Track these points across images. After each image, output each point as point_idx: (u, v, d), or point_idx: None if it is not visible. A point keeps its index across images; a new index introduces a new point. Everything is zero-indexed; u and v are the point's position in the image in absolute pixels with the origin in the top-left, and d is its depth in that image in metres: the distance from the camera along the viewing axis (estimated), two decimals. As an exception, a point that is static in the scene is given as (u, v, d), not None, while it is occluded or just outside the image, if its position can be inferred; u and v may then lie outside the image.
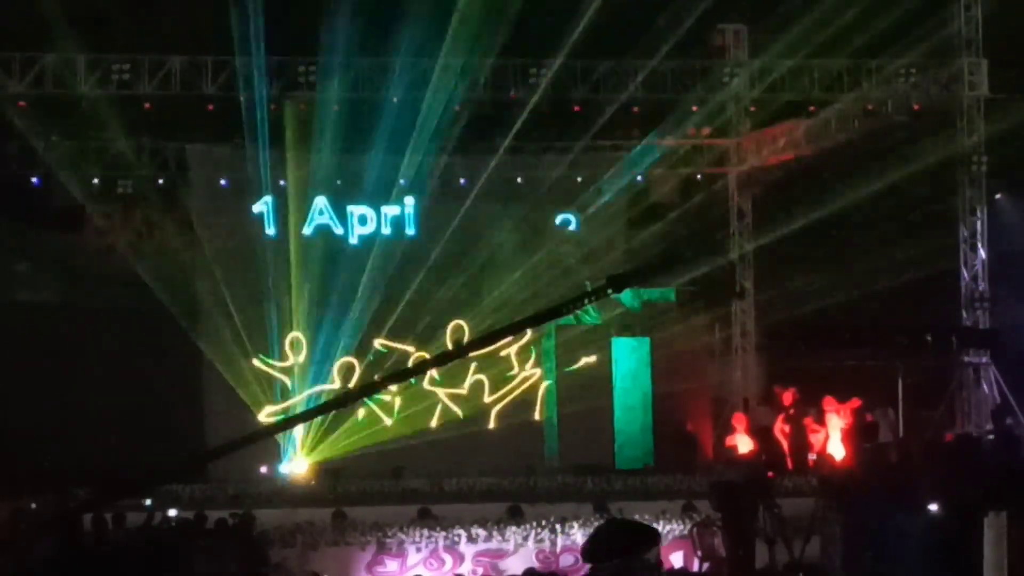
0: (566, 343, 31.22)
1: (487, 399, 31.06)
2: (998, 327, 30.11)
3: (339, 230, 31.45)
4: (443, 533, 23.67)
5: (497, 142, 31.12)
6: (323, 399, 29.77)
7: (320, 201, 31.34)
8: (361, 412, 30.33)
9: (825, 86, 31.02)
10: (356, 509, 24.77)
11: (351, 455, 29.86)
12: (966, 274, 30.51)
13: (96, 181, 31.49)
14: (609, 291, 7.43)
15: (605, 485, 27.06)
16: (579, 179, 32.61)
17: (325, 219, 31.44)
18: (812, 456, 29.85)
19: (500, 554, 23.66)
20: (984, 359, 29.95)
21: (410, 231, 31.66)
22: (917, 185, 29.89)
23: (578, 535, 23.72)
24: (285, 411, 30.09)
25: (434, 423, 30.72)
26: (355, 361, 30.62)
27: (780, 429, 30.48)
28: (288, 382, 30.82)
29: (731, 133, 33.89)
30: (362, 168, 31.34)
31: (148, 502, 22.80)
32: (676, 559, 23.37)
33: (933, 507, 18.70)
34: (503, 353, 30.89)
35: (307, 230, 31.31)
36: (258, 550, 22.03)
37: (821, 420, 29.97)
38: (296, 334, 30.73)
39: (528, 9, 28.25)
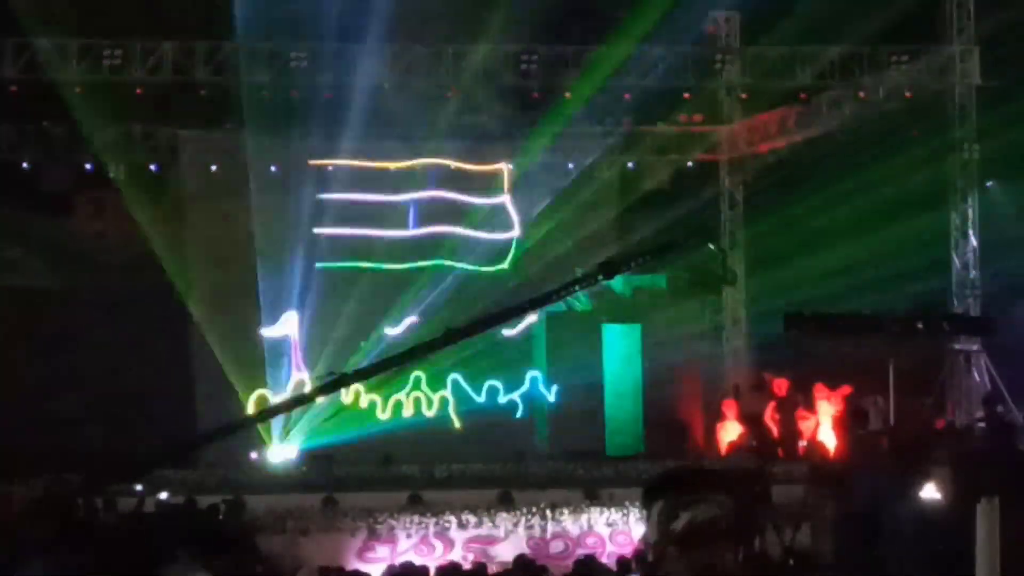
0: (556, 330, 31.17)
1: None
2: (990, 314, 30.08)
3: None
4: (433, 519, 23.68)
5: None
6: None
7: None
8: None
9: (817, 73, 30.95)
10: (346, 495, 24.77)
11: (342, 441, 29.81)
12: (957, 261, 30.48)
13: (88, 166, 31.49)
14: (600, 277, 7.43)
15: (596, 472, 27.06)
16: (570, 165, 32.59)
17: None
18: (803, 443, 29.88)
19: (490, 540, 23.67)
20: (975, 346, 29.93)
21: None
22: (908, 172, 29.84)
23: (568, 521, 23.76)
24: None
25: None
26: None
27: (771, 416, 30.50)
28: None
29: (723, 120, 33.89)
30: None
31: (139, 487, 22.77)
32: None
33: (925, 494, 18.72)
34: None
35: None
36: (248, 536, 22.01)
37: (812, 407, 29.98)
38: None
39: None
